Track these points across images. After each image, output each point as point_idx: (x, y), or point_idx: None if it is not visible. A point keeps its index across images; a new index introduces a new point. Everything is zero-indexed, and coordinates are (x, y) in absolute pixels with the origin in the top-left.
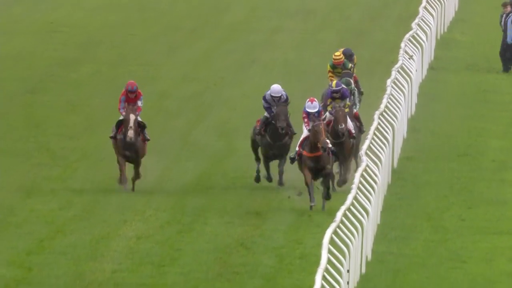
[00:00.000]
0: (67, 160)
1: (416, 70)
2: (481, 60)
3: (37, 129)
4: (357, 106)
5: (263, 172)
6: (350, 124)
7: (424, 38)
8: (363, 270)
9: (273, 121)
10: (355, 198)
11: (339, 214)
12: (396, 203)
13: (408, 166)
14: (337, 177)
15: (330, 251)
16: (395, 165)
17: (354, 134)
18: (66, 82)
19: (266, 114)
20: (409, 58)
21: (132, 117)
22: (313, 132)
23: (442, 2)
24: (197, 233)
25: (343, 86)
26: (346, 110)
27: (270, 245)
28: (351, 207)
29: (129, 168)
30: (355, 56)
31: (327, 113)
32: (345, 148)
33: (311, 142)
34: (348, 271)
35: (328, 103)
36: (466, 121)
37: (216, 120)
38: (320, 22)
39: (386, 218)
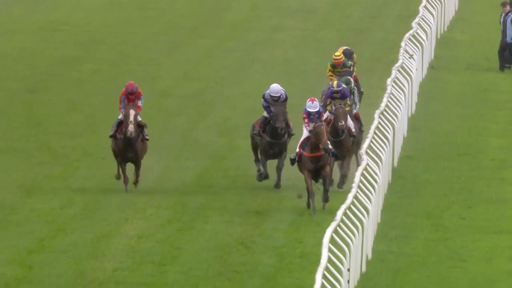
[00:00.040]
0: (68, 159)
1: (416, 69)
2: (481, 59)
3: (38, 128)
4: (357, 105)
5: (264, 173)
6: (351, 123)
7: (424, 37)
8: (364, 269)
9: (271, 121)
10: (355, 197)
11: (339, 213)
12: (397, 202)
13: (409, 165)
14: (336, 178)
15: (330, 250)
16: (396, 164)
17: (354, 133)
18: (67, 81)
19: (265, 114)
20: (409, 57)
21: (132, 112)
22: (315, 133)
23: (442, 1)
24: (197, 232)
25: (344, 86)
26: (347, 108)
27: (270, 244)
28: (352, 206)
29: (129, 168)
30: (354, 55)
31: (327, 113)
32: (344, 146)
33: (312, 143)
34: (348, 270)
35: (328, 102)
36: (466, 120)
37: (217, 118)
38: (320, 21)
39: (386, 217)
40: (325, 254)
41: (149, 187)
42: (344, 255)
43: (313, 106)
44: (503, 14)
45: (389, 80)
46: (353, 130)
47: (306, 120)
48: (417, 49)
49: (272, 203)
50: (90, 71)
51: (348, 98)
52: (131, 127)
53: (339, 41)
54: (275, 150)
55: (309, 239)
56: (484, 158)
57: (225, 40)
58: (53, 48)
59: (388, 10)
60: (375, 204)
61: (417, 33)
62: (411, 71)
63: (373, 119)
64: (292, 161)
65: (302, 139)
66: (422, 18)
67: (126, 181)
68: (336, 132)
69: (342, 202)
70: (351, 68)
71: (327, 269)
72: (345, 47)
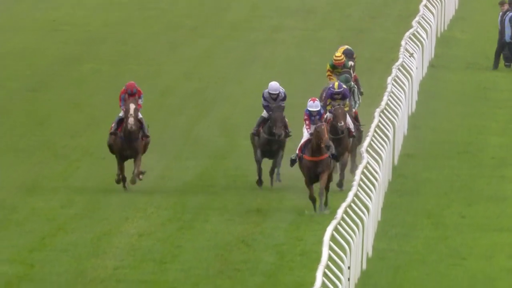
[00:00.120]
0: (69, 158)
1: (417, 68)
2: (481, 58)
3: (39, 127)
4: (357, 104)
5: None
6: (350, 123)
7: (425, 36)
8: (364, 267)
9: (269, 122)
10: (355, 195)
11: (340, 211)
12: (397, 200)
13: (409, 163)
14: (336, 179)
15: (331, 248)
16: (396, 162)
17: (354, 133)
18: (68, 80)
19: (263, 113)
20: (409, 56)
21: (132, 106)
22: (316, 133)
23: (442, 0)
24: (198, 231)
25: (344, 87)
26: (346, 109)
27: (270, 242)
28: (352, 204)
29: (128, 169)
30: (355, 55)
31: (327, 113)
32: (343, 144)
33: (313, 145)
34: (348, 267)
35: (328, 103)
36: (466, 119)
37: (218, 117)
38: (320, 20)
39: (386, 215)
40: (325, 252)
41: (149, 186)
42: (345, 253)
43: (314, 105)
44: (501, 13)
45: (389, 79)
46: (353, 130)
47: (307, 122)
48: (417, 48)
49: (273, 202)
50: (91, 70)
51: (348, 99)
52: (131, 120)
53: (339, 41)
54: (272, 148)
55: (309, 237)
56: (484, 156)
57: (225, 39)
58: (53, 47)
59: (388, 10)
60: (375, 202)
61: (417, 32)
62: (411, 69)
63: (374, 117)
64: (292, 162)
65: (302, 141)
66: (422, 17)
67: (124, 179)
68: (335, 130)
69: (343, 200)
70: (351, 69)
71: (327, 267)
72: (345, 47)
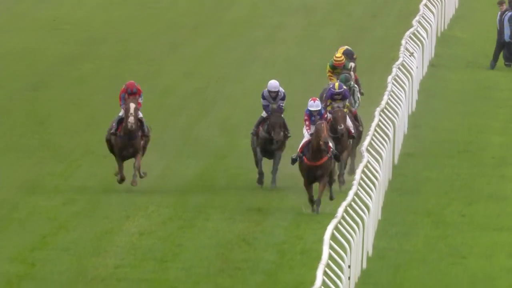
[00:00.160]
0: (70, 156)
1: (417, 67)
2: (481, 57)
3: (40, 126)
4: (357, 103)
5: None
6: (350, 124)
7: (425, 35)
8: (364, 266)
9: (268, 127)
10: (356, 194)
11: (340, 210)
12: (397, 199)
13: (409, 163)
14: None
15: (331, 247)
16: (396, 161)
17: (353, 134)
18: (69, 79)
19: (263, 114)
20: (409, 55)
21: (132, 105)
22: (315, 130)
23: None
24: (198, 229)
25: (344, 88)
26: (346, 110)
27: (271, 241)
28: (352, 203)
29: (128, 169)
30: (355, 56)
31: (328, 114)
32: (342, 143)
33: (313, 145)
34: (349, 266)
35: (328, 103)
36: (466, 118)
37: (218, 116)
38: (321, 19)
39: (387, 214)
40: (326, 251)
41: (150, 185)
42: (345, 252)
43: (315, 105)
44: (499, 13)
45: (389, 78)
46: (353, 131)
47: (307, 123)
48: (417, 47)
49: (273, 201)
50: (92, 69)
51: (348, 100)
52: (131, 119)
53: (340, 39)
54: (271, 147)
55: (310, 236)
56: (484, 155)
57: (226, 38)
58: (54, 47)
59: (388, 8)
60: (375, 201)
61: (417, 31)
62: (411, 69)
63: (374, 116)
64: (293, 161)
65: (303, 142)
66: (423, 16)
67: (123, 178)
68: (335, 129)
69: (343, 199)
70: (353, 70)
71: (328, 265)
72: (345, 47)
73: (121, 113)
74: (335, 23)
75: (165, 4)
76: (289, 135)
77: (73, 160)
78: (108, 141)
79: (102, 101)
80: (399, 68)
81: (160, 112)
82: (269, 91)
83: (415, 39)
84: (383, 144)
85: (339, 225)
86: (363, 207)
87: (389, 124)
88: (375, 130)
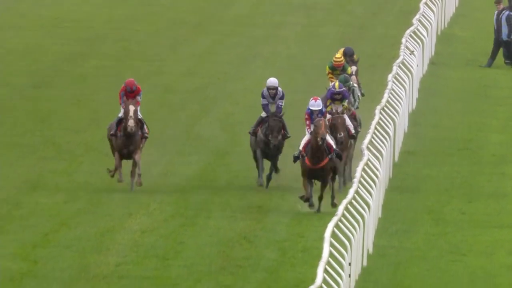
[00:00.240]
0: (73, 154)
1: (417, 65)
2: (481, 56)
3: (43, 123)
4: (356, 103)
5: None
6: (350, 124)
7: (425, 34)
8: (365, 263)
9: (267, 129)
10: (356, 192)
11: (340, 208)
12: (397, 197)
13: (409, 160)
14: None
15: (332, 245)
16: (396, 159)
17: (353, 134)
18: (71, 76)
19: (262, 114)
20: (410, 53)
21: (131, 108)
22: (314, 127)
23: None
24: (200, 227)
25: (344, 88)
26: (345, 107)
27: (272, 239)
28: (353, 200)
29: (127, 169)
30: (355, 56)
31: (328, 114)
32: (343, 144)
33: (313, 145)
34: (349, 264)
35: (328, 103)
36: (466, 116)
37: (220, 114)
38: (322, 17)
39: (387, 212)
40: (326, 248)
41: (152, 182)
42: (346, 250)
43: (316, 104)
44: (496, 12)
45: (390, 76)
46: (352, 131)
47: (307, 122)
48: (417, 45)
49: (274, 198)
50: (94, 67)
51: (347, 100)
52: (131, 122)
53: (341, 37)
54: (270, 149)
55: (310, 234)
56: (484, 153)
57: (227, 36)
58: (57, 44)
59: (389, 6)
60: (376, 199)
61: (417, 29)
62: (411, 67)
63: (374, 114)
64: (295, 159)
65: (304, 141)
66: (423, 15)
67: (121, 177)
68: (334, 137)
69: (344, 197)
70: (355, 74)
71: (328, 263)
72: (344, 54)
73: (121, 113)
74: (336, 21)
75: (166, 2)
76: (288, 135)
77: (75, 157)
78: (110, 140)
79: (104, 99)
80: (399, 66)
81: (162, 110)
82: (268, 89)
83: (415, 37)
84: (383, 142)
85: (339, 223)
86: (363, 205)
87: (389, 122)
88: (376, 128)
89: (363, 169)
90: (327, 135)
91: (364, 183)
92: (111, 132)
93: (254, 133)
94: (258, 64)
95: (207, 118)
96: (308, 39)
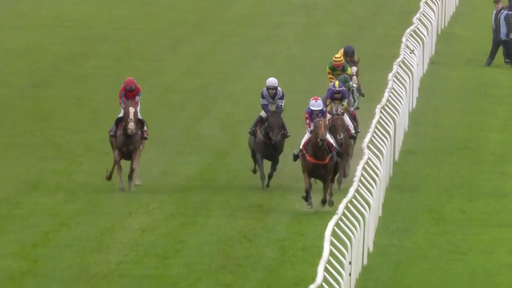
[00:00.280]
0: (73, 153)
1: (417, 65)
2: (481, 55)
3: (43, 123)
4: (356, 103)
5: (260, 173)
6: (350, 124)
7: (425, 33)
8: (365, 262)
9: (267, 127)
10: (356, 191)
11: (341, 207)
12: (397, 196)
13: (410, 159)
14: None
15: (332, 243)
16: (397, 158)
17: (353, 134)
18: (72, 76)
19: (261, 113)
20: (410, 53)
21: (131, 110)
22: (314, 127)
23: None
24: (200, 226)
25: (344, 87)
26: (344, 106)
27: (272, 237)
28: (353, 199)
29: (126, 170)
30: (356, 57)
31: (328, 114)
32: (343, 145)
33: (314, 144)
34: (350, 263)
35: (328, 103)
36: (466, 115)
37: (220, 114)
38: (322, 16)
39: (387, 211)
40: (327, 247)
41: (152, 181)
42: (346, 248)
43: (317, 104)
44: (495, 12)
45: (390, 75)
46: (353, 131)
47: (307, 121)
48: (418, 44)
49: (274, 197)
50: (95, 66)
51: (347, 99)
52: (131, 125)
53: (341, 37)
54: (269, 150)
55: (311, 232)
56: (484, 152)
57: (227, 36)
58: (57, 44)
59: (389, 5)
60: (376, 198)
61: (418, 28)
62: (412, 66)
63: (375, 113)
64: (295, 157)
65: (305, 140)
66: (423, 14)
67: (122, 183)
68: (334, 138)
69: (344, 196)
70: (356, 75)
71: (328, 262)
72: (344, 53)
73: (121, 114)
74: (336, 21)
75: (166, 2)
76: (288, 134)
77: (75, 157)
78: (111, 142)
79: (104, 99)
80: (399, 66)
81: (162, 109)
82: (268, 89)
83: (415, 36)
84: (383, 141)
85: (340, 222)
86: (364, 203)
87: (389, 121)
88: (376, 127)
89: (364, 168)
90: (327, 134)
91: (365, 182)
92: (111, 133)
93: (253, 133)
94: (258, 64)
95: (207, 118)
96: (308, 39)
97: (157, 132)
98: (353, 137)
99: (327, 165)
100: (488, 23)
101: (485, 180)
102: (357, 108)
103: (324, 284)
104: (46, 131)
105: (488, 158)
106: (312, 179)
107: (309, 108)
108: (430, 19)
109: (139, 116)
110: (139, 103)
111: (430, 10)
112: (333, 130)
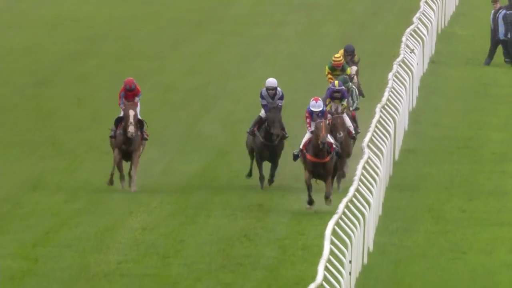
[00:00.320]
0: (74, 152)
1: (417, 64)
2: (481, 54)
3: (44, 122)
4: (355, 104)
5: (260, 175)
6: (350, 125)
7: (425, 32)
8: (365, 261)
9: (267, 123)
10: (357, 190)
11: (341, 206)
12: (397, 195)
13: (410, 159)
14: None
15: (332, 242)
16: (397, 157)
17: (353, 134)
18: (73, 75)
19: (261, 113)
20: (410, 52)
21: (131, 112)
22: (315, 129)
23: None
24: (200, 225)
25: (343, 86)
26: (344, 106)
27: (272, 237)
28: (353, 198)
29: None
30: (356, 57)
31: (328, 114)
32: (344, 145)
33: (314, 144)
34: (350, 261)
35: (328, 102)
36: (466, 114)
37: (220, 112)
38: (322, 15)
39: (387, 210)
40: (327, 246)
41: (152, 181)
42: (346, 247)
43: (317, 105)
44: (493, 11)
45: (390, 74)
46: (353, 131)
47: (308, 120)
48: (418, 43)
49: (274, 197)
50: (96, 65)
51: (346, 99)
52: (131, 128)
53: (341, 36)
54: (268, 152)
55: (311, 232)
56: (484, 151)
57: (229, 35)
58: (59, 43)
59: (389, 5)
60: (376, 197)
61: (418, 28)
62: (412, 65)
63: (375, 113)
64: (295, 157)
65: (305, 139)
66: (423, 13)
67: (122, 178)
68: (334, 137)
69: (344, 195)
70: (356, 74)
71: (329, 261)
72: (344, 51)
73: (121, 113)
74: (336, 20)
75: (166, 2)
76: (286, 135)
77: (76, 156)
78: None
79: (105, 98)
80: (399, 65)
81: (163, 108)
82: (267, 89)
83: (415, 36)
84: (383, 140)
85: (340, 221)
86: (364, 202)
87: (389, 120)
88: (376, 126)
89: (364, 167)
90: (328, 135)
91: (365, 181)
92: (111, 134)
93: (252, 133)
94: (258, 63)
95: (208, 117)
96: (309, 38)
97: (158, 131)
98: (353, 138)
99: (327, 164)
100: (488, 22)
101: (485, 179)
102: (356, 108)
103: (324, 283)
104: (47, 130)
105: (488, 157)
106: (313, 180)
107: (309, 108)
108: (430, 18)
109: (139, 117)
110: (138, 104)
111: (430, 10)
112: (333, 129)
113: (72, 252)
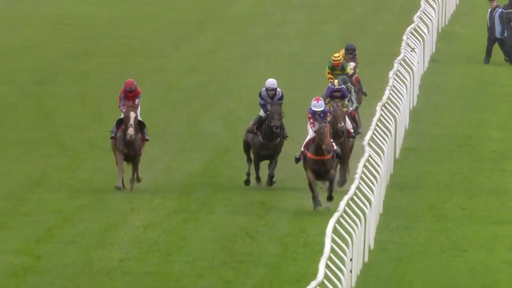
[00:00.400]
0: (76, 150)
1: (418, 62)
2: (481, 53)
3: (47, 120)
4: (354, 104)
5: (253, 175)
6: (349, 124)
7: (426, 31)
8: (366, 259)
9: (266, 121)
10: (358, 188)
11: (342, 204)
12: (398, 193)
13: (410, 157)
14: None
15: (333, 240)
16: (397, 155)
17: (353, 134)
18: (75, 74)
19: (260, 113)
20: (411, 51)
21: (132, 115)
22: (318, 134)
23: None
24: (202, 222)
25: (343, 86)
26: (345, 109)
27: (274, 234)
28: (354, 197)
29: (126, 171)
30: (357, 56)
31: (329, 114)
32: (345, 148)
33: (316, 144)
34: (351, 259)
35: (327, 102)
36: (467, 112)
37: (222, 111)
38: (323, 15)
39: (388, 208)
40: (328, 244)
41: (155, 178)
42: (347, 245)
43: (318, 105)
44: (490, 10)
45: (391, 73)
46: (352, 131)
47: (311, 120)
48: (418, 42)
49: (276, 194)
50: (97, 64)
51: (346, 98)
52: (131, 130)
53: (342, 35)
54: (267, 152)
55: (312, 229)
56: (484, 150)
57: (229, 34)
58: (60, 41)
59: (390, 4)
60: (377, 195)
61: (418, 26)
62: (412, 64)
63: (375, 111)
64: (297, 160)
65: (307, 139)
66: (424, 12)
67: (122, 178)
68: (336, 134)
69: (345, 193)
70: (354, 69)
71: (330, 258)
72: (345, 49)
73: (122, 115)
74: (337, 19)
75: (166, 2)
76: (286, 135)
77: (78, 154)
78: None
79: (107, 96)
80: (400, 63)
81: (164, 107)
82: (267, 90)
83: (416, 34)
84: (384, 139)
85: (341, 219)
86: (364, 201)
87: (390, 119)
88: (377, 124)
89: (365, 166)
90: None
91: (366, 179)
92: (112, 135)
93: (252, 131)
94: (260, 61)
95: (209, 115)
96: (310, 37)
97: (159, 130)
98: (353, 137)
99: (328, 161)
100: None
101: (485, 177)
102: (356, 107)
103: (325, 281)
104: (50, 128)
105: (488, 156)
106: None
107: (311, 108)
108: (431, 17)
109: (139, 118)
110: (139, 106)
111: (431, 8)
112: (333, 119)
113: (75, 249)
